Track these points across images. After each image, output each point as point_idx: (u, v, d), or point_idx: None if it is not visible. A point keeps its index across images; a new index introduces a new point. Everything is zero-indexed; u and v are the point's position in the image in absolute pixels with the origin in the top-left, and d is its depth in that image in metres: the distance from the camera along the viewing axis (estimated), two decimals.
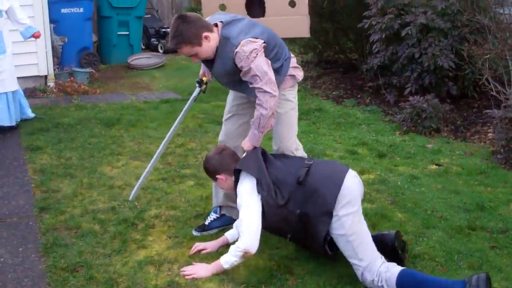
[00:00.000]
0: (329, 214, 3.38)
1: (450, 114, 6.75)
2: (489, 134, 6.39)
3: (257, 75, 3.50)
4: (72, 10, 9.42)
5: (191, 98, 4.25)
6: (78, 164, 5.43)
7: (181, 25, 3.52)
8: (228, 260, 3.48)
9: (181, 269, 3.62)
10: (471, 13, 6.74)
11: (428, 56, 6.81)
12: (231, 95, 4.07)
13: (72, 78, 8.69)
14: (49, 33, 8.35)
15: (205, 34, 3.53)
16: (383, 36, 7.21)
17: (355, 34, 8.75)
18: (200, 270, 3.56)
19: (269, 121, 3.58)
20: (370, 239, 3.46)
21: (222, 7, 7.95)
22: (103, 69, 10.08)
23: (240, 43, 3.51)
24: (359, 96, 8.16)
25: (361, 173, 5.25)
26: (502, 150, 5.63)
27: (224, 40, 3.58)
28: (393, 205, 4.62)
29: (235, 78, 3.67)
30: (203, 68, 4.18)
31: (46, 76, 8.38)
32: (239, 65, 3.53)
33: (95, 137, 6.24)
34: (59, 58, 8.92)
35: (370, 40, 7.50)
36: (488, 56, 6.46)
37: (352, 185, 3.47)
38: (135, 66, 10.20)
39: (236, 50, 3.51)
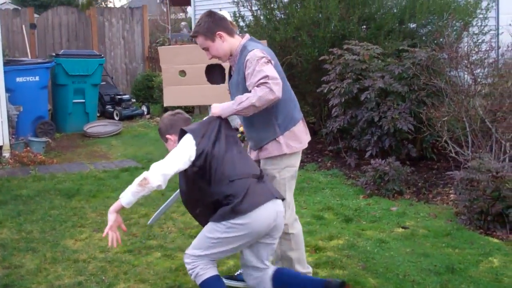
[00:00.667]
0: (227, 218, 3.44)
1: (411, 176, 6.83)
2: (451, 195, 6.47)
3: (267, 76, 3.49)
4: (28, 79, 9.31)
5: None
6: (40, 237, 5.25)
7: (204, 17, 3.76)
8: (126, 190, 3.50)
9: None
10: (427, 77, 6.93)
11: (388, 120, 6.92)
12: None
13: (28, 148, 8.50)
14: (4, 103, 8.20)
15: (220, 32, 3.73)
16: (343, 100, 7.32)
17: (313, 98, 8.87)
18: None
19: (249, 109, 3.53)
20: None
21: (182, 74, 7.99)
22: (58, 137, 9.92)
23: (253, 50, 3.63)
24: (319, 160, 8.20)
25: (329, 238, 5.23)
26: (465, 211, 5.69)
27: (243, 48, 3.73)
28: (364, 271, 4.59)
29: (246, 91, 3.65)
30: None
31: (1, 147, 8.19)
32: (247, 72, 3.61)
33: (55, 209, 6.07)
34: (14, 127, 8.75)
35: (330, 104, 7.59)
36: (445, 118, 6.61)
37: (263, 218, 3.47)
38: (92, 134, 10.07)
39: (247, 56, 3.62)
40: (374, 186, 6.61)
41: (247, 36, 3.88)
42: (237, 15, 9.24)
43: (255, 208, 3.43)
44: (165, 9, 24.24)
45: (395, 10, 8.30)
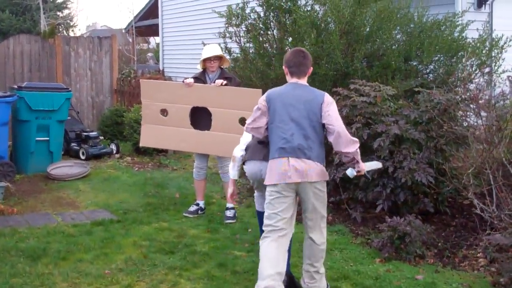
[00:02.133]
0: None
1: (431, 236, 5.99)
2: (480, 260, 5.63)
3: None
4: None
5: None
6: None
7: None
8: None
9: None
10: (447, 123, 6.16)
11: (405, 171, 6.09)
12: None
13: None
14: None
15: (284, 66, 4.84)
16: None
17: None
18: None
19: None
20: None
21: (163, 113, 7.09)
22: (18, 180, 8.76)
23: None
24: None
25: None
26: (510, 282, 4.85)
27: None
28: None
29: None
30: None
31: None
32: None
33: (18, 276, 5.05)
34: None
35: (334, 151, 6.71)
36: (470, 170, 5.82)
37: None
38: (56, 177, 8.97)
39: None
40: (392, 248, 5.74)
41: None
42: (223, 48, 8.39)
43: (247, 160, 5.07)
44: (130, 39, 23.27)
45: (398, 47, 7.55)
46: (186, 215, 7.00)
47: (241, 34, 8.20)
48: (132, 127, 10.63)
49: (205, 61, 6.79)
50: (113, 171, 9.52)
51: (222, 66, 7.00)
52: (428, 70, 7.84)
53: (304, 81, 4.74)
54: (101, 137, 11.05)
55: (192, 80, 6.73)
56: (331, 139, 4.57)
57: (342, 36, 7.07)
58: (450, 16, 8.14)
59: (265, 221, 4.63)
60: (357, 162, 4.71)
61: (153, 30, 22.17)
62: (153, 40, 36.47)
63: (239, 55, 8.25)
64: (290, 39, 7.74)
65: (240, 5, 8.16)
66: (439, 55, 7.67)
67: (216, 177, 8.70)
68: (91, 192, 8.16)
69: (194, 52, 18.17)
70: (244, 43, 8.15)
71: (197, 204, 7.14)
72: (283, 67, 4.74)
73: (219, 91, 6.64)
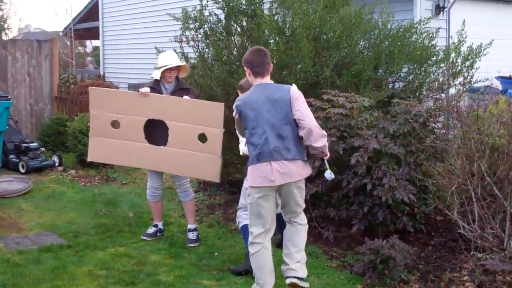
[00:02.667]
0: None
1: (412, 257, 5.58)
2: (468, 284, 5.25)
3: None
4: None
5: None
6: None
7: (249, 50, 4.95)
8: None
9: None
10: (427, 136, 5.79)
11: (385, 188, 5.66)
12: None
13: None
14: None
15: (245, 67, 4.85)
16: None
17: None
18: None
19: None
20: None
21: (115, 125, 6.43)
22: None
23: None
24: None
25: None
26: None
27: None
28: None
29: None
30: None
31: None
32: None
33: None
34: None
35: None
36: (453, 187, 5.45)
37: None
38: None
39: None
40: (374, 273, 5.30)
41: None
42: (179, 54, 7.81)
43: None
44: (68, 43, 22.26)
45: (369, 54, 7.15)
46: (144, 238, 6.38)
47: (199, 38, 7.61)
48: (76, 137, 9.89)
49: (164, 70, 6.18)
50: (57, 186, 8.78)
51: (179, 76, 6.43)
52: (394, 79, 7.47)
53: (268, 79, 4.83)
54: (43, 149, 10.24)
55: (148, 90, 6.10)
56: (302, 133, 4.66)
57: (311, 43, 6.59)
58: (415, 23, 7.81)
59: (254, 227, 4.77)
60: (326, 155, 4.84)
61: (93, 33, 21.26)
62: (90, 44, 35.34)
63: (196, 61, 7.66)
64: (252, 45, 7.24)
65: (198, 7, 7.58)
66: (408, 64, 7.30)
67: (171, 192, 8.11)
68: (35, 212, 7.42)
69: (139, 57, 17.54)
70: (203, 49, 7.57)
71: (155, 226, 6.53)
72: (245, 68, 4.77)
73: (178, 103, 6.06)
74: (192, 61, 7.77)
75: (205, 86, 7.22)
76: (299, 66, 6.58)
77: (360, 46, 7.12)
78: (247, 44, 7.19)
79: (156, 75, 6.26)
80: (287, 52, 6.54)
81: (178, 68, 6.29)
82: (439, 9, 10.86)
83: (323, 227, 6.44)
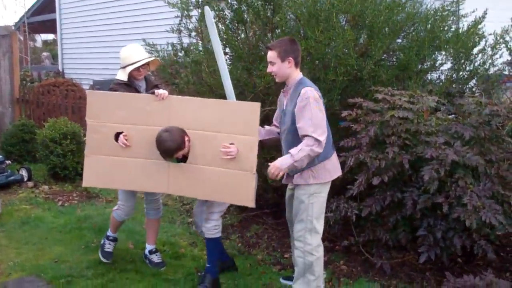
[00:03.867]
0: None
1: None
2: None
3: (317, 130, 4.18)
4: None
5: None
6: None
7: (287, 39, 4.44)
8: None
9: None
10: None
11: (468, 210, 4.50)
12: None
13: None
14: None
15: (292, 58, 4.31)
16: (386, 178, 4.80)
17: None
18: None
19: (304, 161, 4.20)
20: None
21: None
22: None
23: (308, 87, 4.27)
24: (327, 258, 5.57)
25: None
26: None
27: (299, 83, 4.34)
28: None
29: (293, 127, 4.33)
30: None
31: None
32: (300, 104, 4.22)
33: None
34: None
35: (358, 182, 5.03)
36: None
37: None
38: None
39: (303, 90, 4.23)
40: None
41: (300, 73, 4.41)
42: (177, 47, 6.55)
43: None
44: (22, 37, 20.48)
45: (412, 43, 5.97)
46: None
47: (202, 28, 6.31)
48: (47, 147, 8.48)
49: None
50: (30, 207, 7.36)
51: (150, 70, 5.43)
52: (438, 72, 6.34)
53: None
54: (8, 161, 8.76)
55: (166, 92, 4.80)
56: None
57: (353, 30, 5.38)
58: (448, 5, 6.64)
59: (320, 227, 4.50)
60: None
61: (48, 26, 19.59)
62: (39, 38, 33.44)
63: (201, 55, 6.34)
64: (270, 35, 5.99)
65: None
66: (455, 53, 6.17)
67: (169, 211, 6.86)
68: (11, 246, 6.00)
69: (103, 51, 16.16)
70: (209, 41, 6.27)
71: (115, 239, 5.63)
72: (289, 58, 4.31)
73: (202, 105, 4.78)
74: (193, 55, 6.44)
75: (216, 85, 5.94)
76: (336, 58, 5.33)
77: (406, 34, 5.94)
78: (263, 34, 5.93)
79: (123, 76, 5.04)
80: (325, 42, 5.29)
81: (147, 63, 5.08)
82: None
83: (373, 254, 5.29)
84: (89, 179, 5.08)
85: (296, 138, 4.27)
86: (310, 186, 4.37)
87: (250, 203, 4.65)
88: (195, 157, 4.74)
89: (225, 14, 6.13)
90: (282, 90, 4.55)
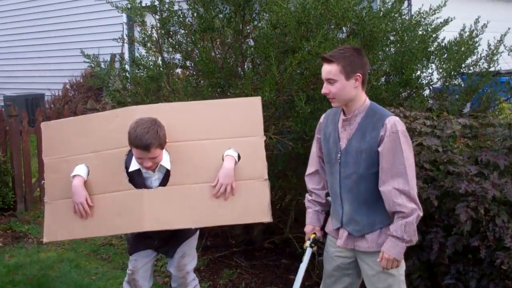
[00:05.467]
0: None
1: None
2: None
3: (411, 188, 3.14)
4: None
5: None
6: None
7: (352, 48, 3.27)
8: None
9: None
10: None
11: (510, 253, 3.76)
12: None
13: None
14: None
15: (360, 74, 3.17)
16: None
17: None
18: None
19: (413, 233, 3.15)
20: None
21: None
22: None
23: (393, 117, 3.18)
24: None
25: None
26: None
27: (372, 110, 3.23)
28: None
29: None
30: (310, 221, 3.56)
31: None
32: (390, 146, 3.10)
33: None
34: None
35: None
36: None
37: None
38: None
39: (389, 123, 3.12)
40: None
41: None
42: (126, 60, 5.53)
43: None
44: None
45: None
46: None
47: (161, 35, 5.32)
48: None
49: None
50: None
51: None
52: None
53: None
54: None
55: None
56: None
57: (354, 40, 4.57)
58: (421, 13, 5.91)
59: None
60: None
61: None
62: None
63: (157, 70, 5.33)
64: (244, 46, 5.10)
65: None
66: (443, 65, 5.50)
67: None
68: None
69: (15, 63, 14.95)
70: (170, 52, 5.28)
71: None
72: (357, 75, 3.17)
73: (193, 109, 3.95)
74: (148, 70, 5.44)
75: None
76: None
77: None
78: (238, 44, 5.03)
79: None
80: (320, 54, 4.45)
81: None
82: None
83: None
84: (51, 232, 3.93)
85: (371, 187, 3.20)
86: (401, 268, 3.30)
87: (266, 217, 3.79)
88: (184, 175, 3.77)
89: (190, 22, 5.18)
90: (343, 118, 3.31)
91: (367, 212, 3.25)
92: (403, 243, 3.10)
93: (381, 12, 4.80)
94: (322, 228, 3.61)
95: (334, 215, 3.45)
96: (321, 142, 3.47)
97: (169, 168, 3.75)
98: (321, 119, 3.52)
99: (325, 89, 3.22)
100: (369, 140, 3.16)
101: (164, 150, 3.71)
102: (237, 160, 3.74)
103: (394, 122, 3.12)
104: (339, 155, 3.30)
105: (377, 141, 3.14)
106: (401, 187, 3.08)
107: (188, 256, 4.08)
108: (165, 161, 3.73)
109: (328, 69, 3.17)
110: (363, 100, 3.25)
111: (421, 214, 3.13)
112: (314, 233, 3.56)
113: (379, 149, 3.12)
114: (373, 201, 3.23)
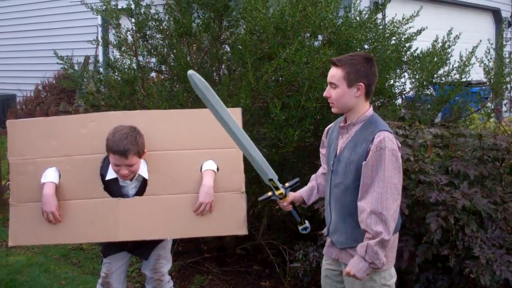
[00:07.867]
0: None
1: None
2: None
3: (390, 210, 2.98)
4: None
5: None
6: None
7: (362, 56, 3.14)
8: None
9: None
10: None
11: (480, 263, 3.82)
12: None
13: None
14: None
15: (363, 84, 3.07)
16: None
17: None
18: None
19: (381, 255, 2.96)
20: None
21: None
22: None
23: (385, 131, 3.03)
24: None
25: None
26: None
27: (370, 121, 3.12)
28: None
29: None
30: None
31: None
32: (373, 163, 2.97)
33: None
34: None
35: None
36: None
37: None
38: None
39: (378, 137, 3.00)
40: None
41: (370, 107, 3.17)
42: (103, 64, 5.50)
43: None
44: None
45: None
46: None
47: (136, 39, 5.30)
48: None
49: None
50: None
51: None
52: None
53: None
54: None
55: None
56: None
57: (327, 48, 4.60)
58: (391, 21, 5.97)
59: None
60: None
61: None
62: None
63: (132, 72, 5.30)
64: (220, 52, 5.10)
65: None
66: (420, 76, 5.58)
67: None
68: None
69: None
70: (145, 56, 5.26)
71: None
72: (360, 84, 3.08)
73: (172, 118, 3.96)
74: (123, 73, 5.41)
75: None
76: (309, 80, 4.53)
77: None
78: (215, 50, 5.03)
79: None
80: (297, 61, 4.47)
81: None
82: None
83: None
84: (17, 236, 3.88)
85: (355, 198, 3.07)
86: (383, 272, 3.13)
87: (242, 230, 3.81)
88: (161, 186, 3.76)
89: (167, 26, 5.16)
90: (340, 125, 3.23)
91: (351, 225, 3.15)
92: (366, 263, 2.96)
93: (357, 22, 4.83)
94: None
95: (326, 222, 3.42)
96: (326, 145, 3.44)
97: (146, 178, 3.74)
98: (332, 124, 3.46)
99: (327, 92, 3.16)
100: (359, 152, 3.06)
101: (142, 159, 3.70)
102: (216, 172, 3.74)
103: (383, 138, 2.99)
104: (332, 162, 3.24)
105: (364, 154, 3.02)
106: (373, 206, 2.94)
107: (163, 259, 4.08)
108: (143, 170, 3.72)
109: (332, 73, 3.11)
110: (364, 110, 3.14)
111: (387, 238, 2.93)
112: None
113: (363, 162, 3.01)
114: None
